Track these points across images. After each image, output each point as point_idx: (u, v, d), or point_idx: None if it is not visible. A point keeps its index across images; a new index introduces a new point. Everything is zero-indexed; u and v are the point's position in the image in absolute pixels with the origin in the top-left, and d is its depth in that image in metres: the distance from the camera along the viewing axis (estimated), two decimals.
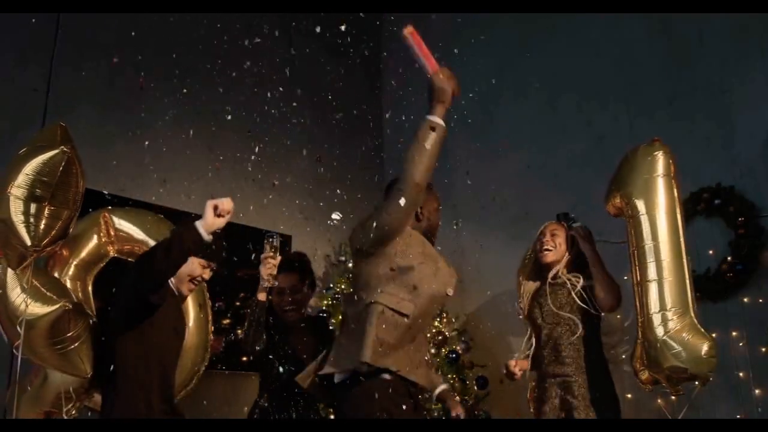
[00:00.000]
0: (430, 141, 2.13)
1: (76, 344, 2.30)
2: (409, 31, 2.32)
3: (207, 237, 2.07)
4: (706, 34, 3.63)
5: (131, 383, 2.24)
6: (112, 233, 2.73)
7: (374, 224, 2.13)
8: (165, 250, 2.08)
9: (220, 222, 2.09)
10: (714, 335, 3.25)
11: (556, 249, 2.84)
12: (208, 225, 2.08)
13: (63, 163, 2.28)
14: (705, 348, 2.43)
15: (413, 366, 2.16)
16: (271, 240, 2.54)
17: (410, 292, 2.13)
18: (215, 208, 2.08)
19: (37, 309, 2.26)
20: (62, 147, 2.30)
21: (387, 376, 2.07)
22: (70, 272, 2.60)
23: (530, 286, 2.93)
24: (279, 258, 2.54)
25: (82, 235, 2.65)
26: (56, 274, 2.54)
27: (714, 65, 3.57)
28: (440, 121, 2.15)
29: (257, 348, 2.60)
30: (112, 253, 2.77)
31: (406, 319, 2.10)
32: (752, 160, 3.37)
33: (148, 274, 2.12)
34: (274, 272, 2.52)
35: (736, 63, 3.50)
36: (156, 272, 2.11)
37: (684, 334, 2.44)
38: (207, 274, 2.44)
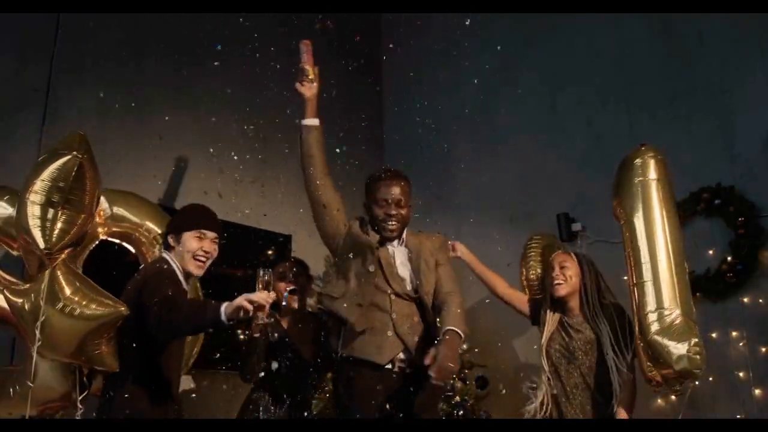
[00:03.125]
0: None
1: (108, 344, 2.34)
2: (305, 43, 2.68)
3: (225, 321, 2.07)
4: (706, 34, 3.63)
5: (141, 381, 2.27)
6: (103, 215, 2.75)
7: None
8: (185, 320, 2.13)
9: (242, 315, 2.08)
10: (714, 335, 3.27)
11: (567, 282, 2.76)
12: (230, 313, 2.06)
13: (75, 169, 2.32)
14: (687, 346, 2.44)
15: None
16: (263, 276, 2.56)
17: None
18: (250, 302, 2.05)
19: (98, 309, 2.29)
20: (74, 152, 2.34)
21: None
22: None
23: (553, 320, 2.82)
24: (273, 295, 2.58)
25: None
26: None
27: (714, 65, 3.57)
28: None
29: (254, 377, 2.72)
30: (101, 236, 2.78)
31: None
32: (752, 160, 3.38)
33: (165, 331, 2.19)
34: (267, 310, 2.58)
35: (736, 63, 3.50)
36: (171, 334, 2.23)
37: (670, 333, 2.47)
38: (208, 245, 2.44)
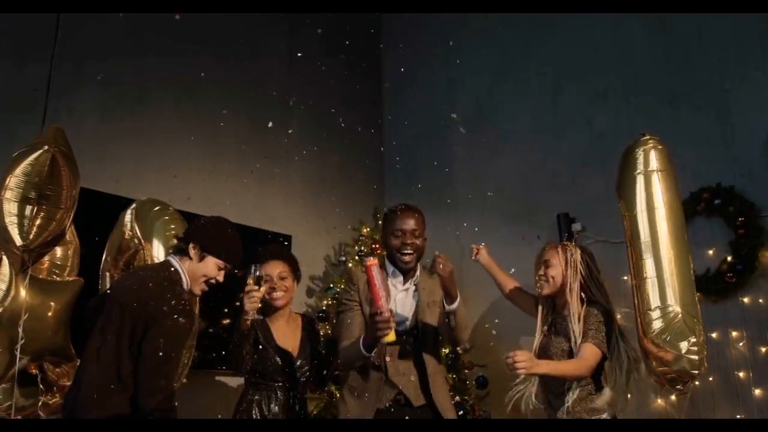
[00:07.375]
0: None
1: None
2: (370, 263, 2.29)
3: None
4: (706, 33, 3.64)
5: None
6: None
7: None
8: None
9: None
10: (714, 335, 3.27)
11: (549, 282, 2.60)
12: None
13: (48, 163, 2.27)
14: (686, 346, 2.38)
15: None
16: (254, 272, 2.53)
17: None
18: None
19: (57, 293, 2.36)
20: (46, 146, 2.29)
21: None
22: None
23: (542, 318, 2.72)
24: (263, 290, 2.55)
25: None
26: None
27: (714, 65, 3.58)
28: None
29: (242, 368, 2.67)
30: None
31: None
32: (752, 160, 3.38)
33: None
34: (258, 306, 2.55)
35: (736, 63, 3.50)
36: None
37: (669, 332, 2.41)
38: (221, 276, 2.31)
